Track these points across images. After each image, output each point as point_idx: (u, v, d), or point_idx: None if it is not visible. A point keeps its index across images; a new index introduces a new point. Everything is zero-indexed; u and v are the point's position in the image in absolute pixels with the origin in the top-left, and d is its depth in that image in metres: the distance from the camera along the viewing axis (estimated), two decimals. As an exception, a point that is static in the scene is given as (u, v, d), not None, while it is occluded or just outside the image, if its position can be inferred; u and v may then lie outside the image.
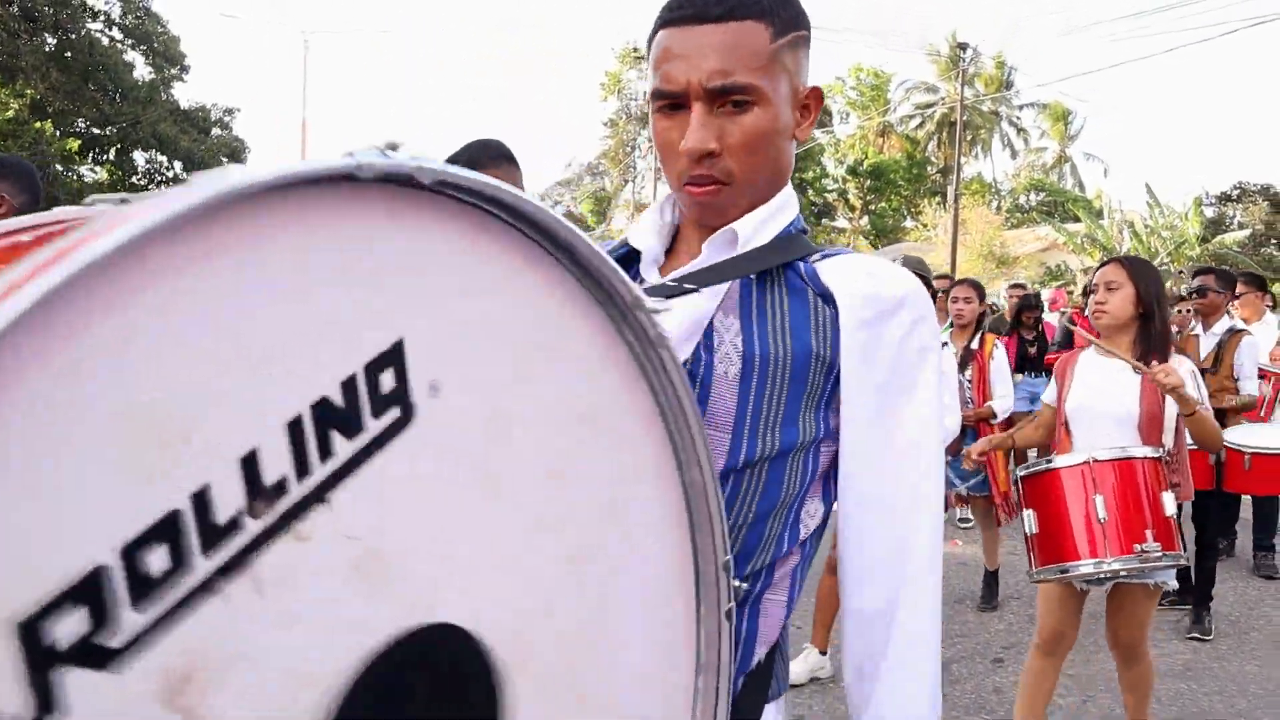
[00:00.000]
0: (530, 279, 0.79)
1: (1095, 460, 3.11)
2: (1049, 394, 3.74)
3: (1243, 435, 5.50)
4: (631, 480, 0.91)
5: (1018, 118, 54.07)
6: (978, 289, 5.77)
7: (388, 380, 0.67)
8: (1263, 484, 5.52)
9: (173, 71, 31.08)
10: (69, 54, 27.12)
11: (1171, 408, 3.32)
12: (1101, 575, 3.16)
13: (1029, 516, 3.19)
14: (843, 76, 55.09)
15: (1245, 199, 35.16)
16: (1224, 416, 5.57)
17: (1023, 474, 3.30)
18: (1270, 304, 7.90)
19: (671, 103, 1.24)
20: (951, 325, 5.76)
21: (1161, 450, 3.20)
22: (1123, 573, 3.18)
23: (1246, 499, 6.78)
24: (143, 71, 30.32)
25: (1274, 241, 33.53)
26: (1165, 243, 29.73)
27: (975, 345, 5.62)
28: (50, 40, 26.96)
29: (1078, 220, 34.21)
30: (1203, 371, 5.66)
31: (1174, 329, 6.65)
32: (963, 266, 30.63)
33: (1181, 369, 3.35)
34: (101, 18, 28.58)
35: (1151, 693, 3.56)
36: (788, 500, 1.23)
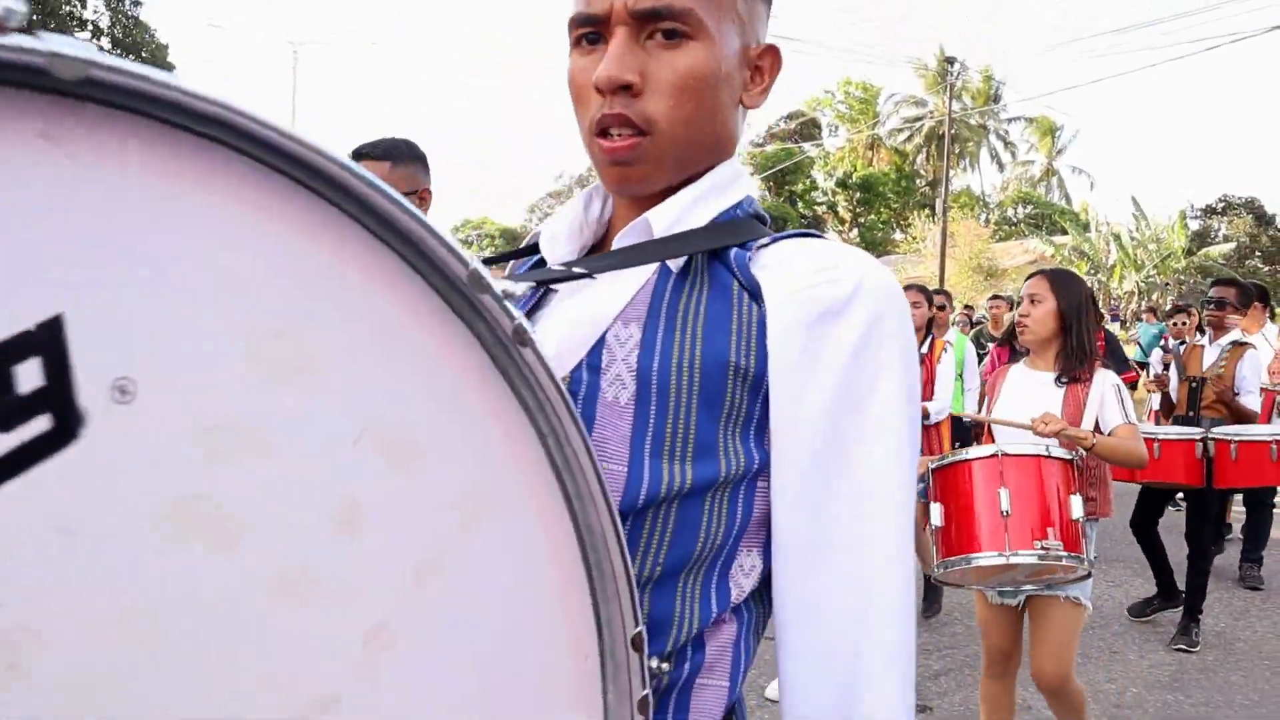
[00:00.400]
0: (304, 241, 0.56)
1: (1005, 454, 3.06)
2: (974, 407, 3.66)
3: (1230, 429, 5.42)
4: (488, 527, 0.67)
5: (1005, 131, 54.25)
6: (925, 294, 5.76)
7: (29, 375, 0.46)
8: (1252, 474, 5.35)
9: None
10: (54, 64, 27.16)
11: (1091, 419, 3.28)
12: (1006, 569, 3.03)
13: (936, 510, 3.12)
14: (832, 90, 55.24)
15: (1230, 212, 35.27)
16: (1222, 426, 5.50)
17: (934, 465, 3.23)
18: (1270, 315, 7.82)
19: (592, 32, 0.99)
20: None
21: (1075, 454, 3.12)
22: (1029, 581, 3.14)
23: (1237, 514, 6.71)
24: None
25: (1258, 254, 33.58)
26: (1151, 255, 29.74)
27: (925, 350, 5.61)
28: (35, 50, 26.97)
29: (1065, 233, 34.25)
30: (1203, 381, 5.58)
31: (1172, 340, 6.56)
32: (951, 279, 30.59)
33: (1104, 383, 3.31)
34: (90, 27, 28.51)
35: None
36: (709, 551, 0.94)
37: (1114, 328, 11.11)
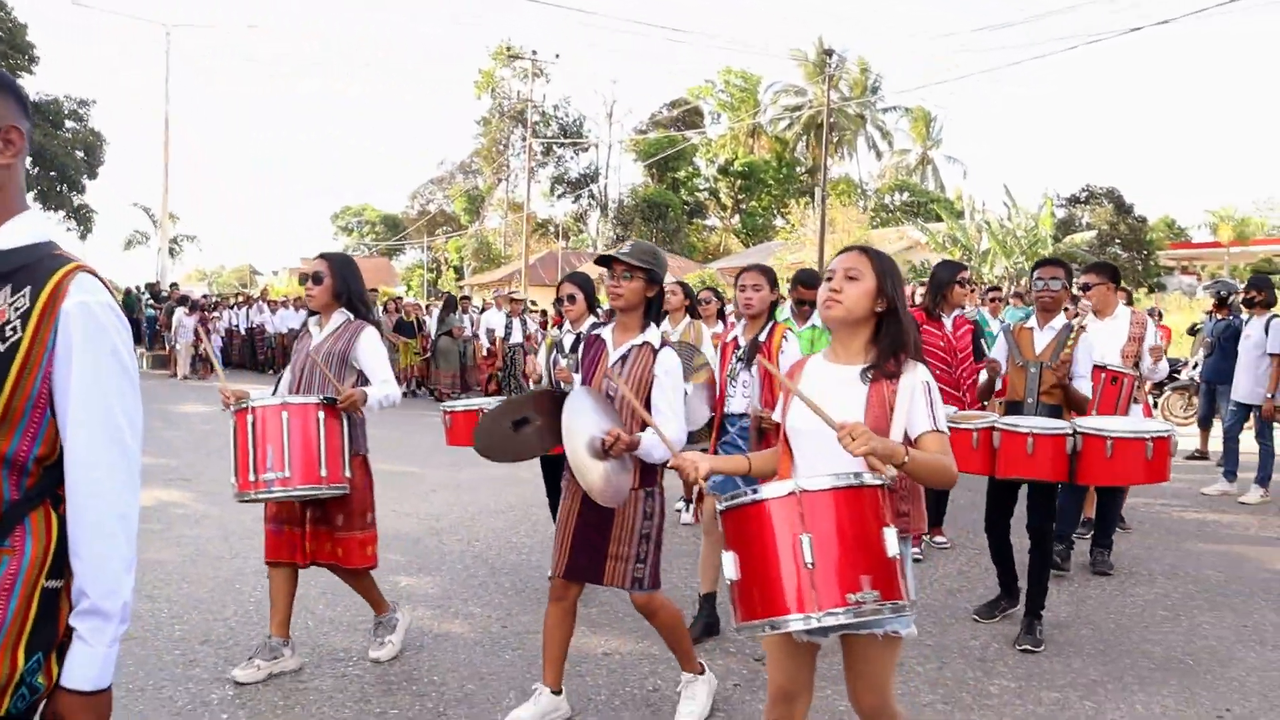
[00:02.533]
0: None
1: (803, 490, 2.48)
2: (779, 411, 3.08)
3: (1098, 422, 5.17)
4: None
5: (882, 121, 55.68)
6: (769, 275, 5.25)
7: None
8: (1125, 472, 5.06)
9: (20, 61, 29.60)
10: (-98, 41, 25.61)
11: (900, 424, 2.75)
12: (815, 630, 2.56)
13: (730, 560, 2.55)
14: (712, 79, 55.87)
15: (1092, 201, 36.92)
16: (1061, 414, 5.32)
17: (724, 508, 2.61)
18: (1126, 298, 7.92)
19: None
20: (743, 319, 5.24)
21: (885, 477, 2.54)
22: (838, 625, 2.58)
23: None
24: (-12, 61, 28.82)
25: (1118, 241, 35.28)
26: (1020, 242, 30.97)
27: (764, 337, 5.08)
28: (-119, 26, 25.41)
29: (940, 220, 35.38)
30: (1041, 365, 5.34)
31: (1004, 319, 6.59)
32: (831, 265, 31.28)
33: (914, 381, 2.79)
34: (-62, 3, 27.08)
35: None
36: None
37: (984, 311, 11.52)
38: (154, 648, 4.78)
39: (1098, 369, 6.05)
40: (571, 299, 5.86)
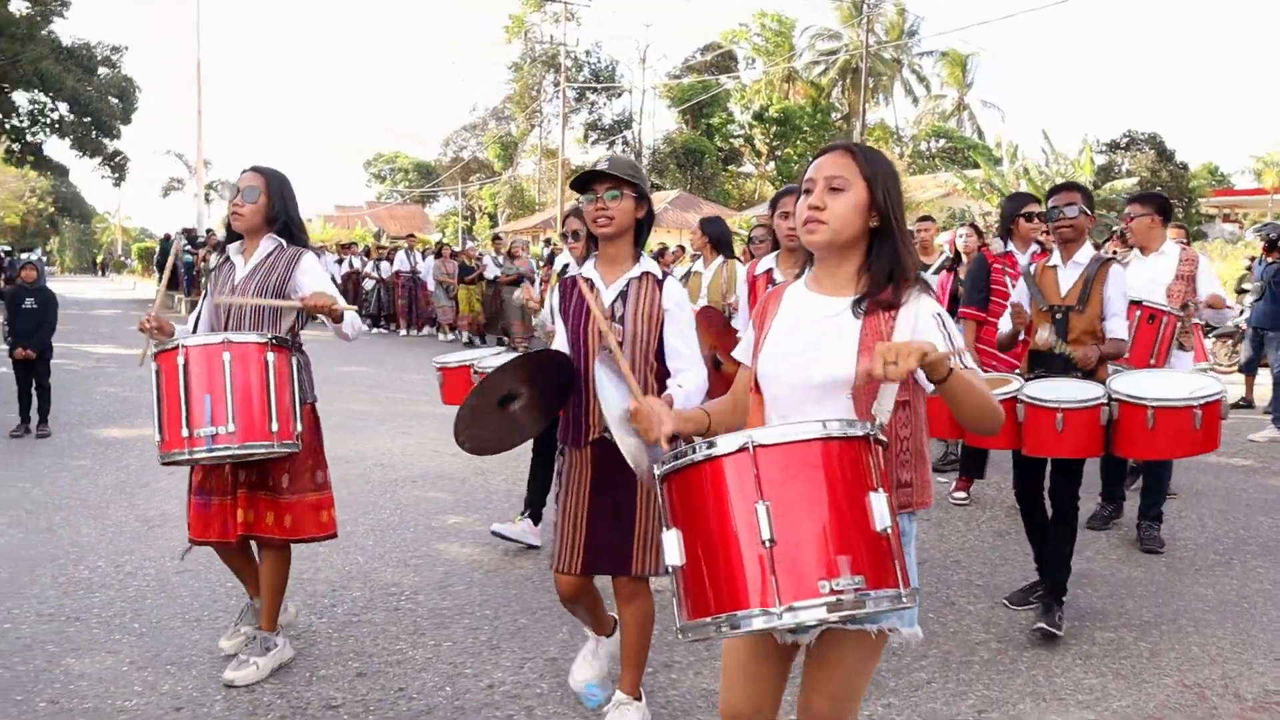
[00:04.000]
0: None
1: (757, 445, 1.86)
2: (742, 348, 2.46)
3: (1136, 385, 4.39)
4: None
5: (918, 65, 54.76)
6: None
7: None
8: (1170, 445, 4.35)
9: (53, 5, 29.62)
10: (-62, -13, 25.69)
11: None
12: (784, 628, 1.88)
13: (673, 540, 1.94)
14: (747, 22, 55.06)
15: (1133, 147, 36.26)
16: (1096, 369, 4.58)
17: (663, 473, 2.00)
18: (1185, 239, 7.57)
19: None
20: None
21: (870, 426, 1.94)
22: (814, 623, 1.89)
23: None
24: (20, 5, 28.82)
25: (1159, 189, 34.69)
26: (1059, 189, 30.47)
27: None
28: (-83, -28, 25.48)
29: (977, 166, 34.90)
30: (1067, 310, 4.60)
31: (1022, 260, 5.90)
32: (866, 212, 30.95)
33: (921, 313, 2.15)
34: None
35: None
36: None
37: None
38: (207, 581, 4.85)
39: (1133, 305, 5.24)
40: (576, 235, 5.15)
